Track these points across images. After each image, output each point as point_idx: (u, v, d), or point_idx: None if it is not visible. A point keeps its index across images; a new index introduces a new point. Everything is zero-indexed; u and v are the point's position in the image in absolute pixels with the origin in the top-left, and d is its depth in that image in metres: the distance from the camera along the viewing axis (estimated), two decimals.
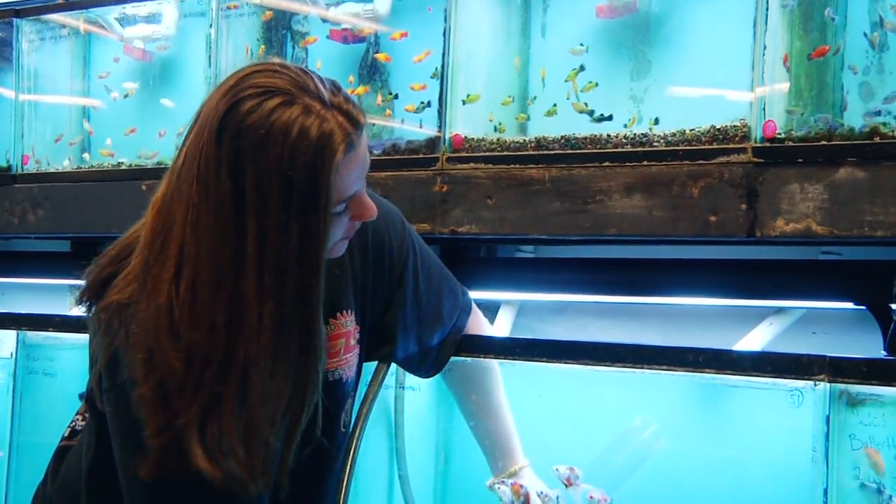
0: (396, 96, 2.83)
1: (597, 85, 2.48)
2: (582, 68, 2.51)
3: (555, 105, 2.53)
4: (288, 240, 1.62)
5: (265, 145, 1.60)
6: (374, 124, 2.81)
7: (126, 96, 3.37)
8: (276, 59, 1.75)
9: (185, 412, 1.62)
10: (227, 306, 1.62)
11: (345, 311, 2.00)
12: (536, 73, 2.70)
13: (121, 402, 1.71)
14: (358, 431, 2.16)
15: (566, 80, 2.52)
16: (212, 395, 1.62)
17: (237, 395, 1.63)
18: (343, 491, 2.12)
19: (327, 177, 1.62)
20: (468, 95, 2.59)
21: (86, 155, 3.46)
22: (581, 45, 2.54)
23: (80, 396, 2.04)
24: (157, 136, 3.22)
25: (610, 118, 2.45)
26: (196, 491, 1.68)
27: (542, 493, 2.16)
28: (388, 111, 2.81)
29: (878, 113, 2.11)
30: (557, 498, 2.14)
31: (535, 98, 2.65)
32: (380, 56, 2.84)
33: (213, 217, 1.63)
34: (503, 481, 2.20)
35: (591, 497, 2.10)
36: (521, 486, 2.16)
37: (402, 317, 2.11)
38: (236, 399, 1.63)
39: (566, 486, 2.13)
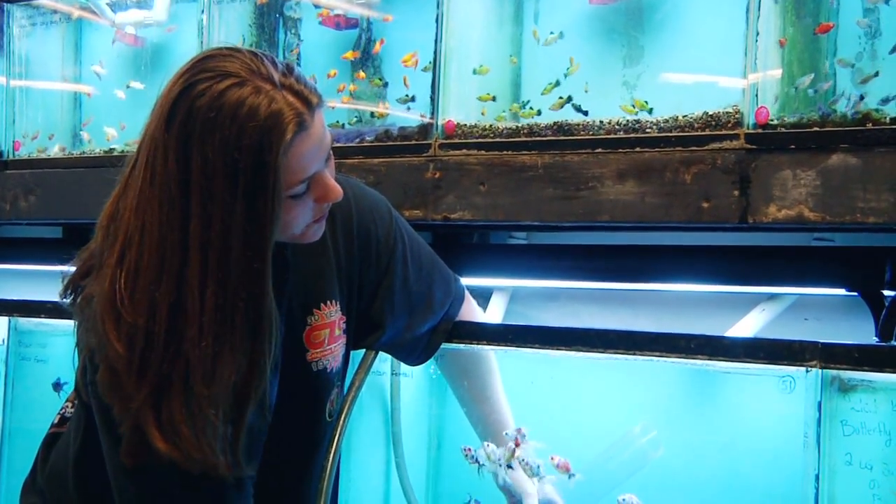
0: (387, 84, 2.83)
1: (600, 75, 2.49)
2: (557, 83, 2.52)
3: (561, 97, 2.53)
4: (232, 222, 1.61)
5: (213, 127, 1.60)
6: (371, 113, 2.81)
7: (128, 86, 3.35)
8: (229, 44, 1.75)
9: (137, 396, 1.63)
10: (169, 290, 1.62)
11: (329, 302, 2.00)
12: (529, 60, 2.69)
13: (97, 392, 1.72)
14: (343, 419, 2.16)
15: (542, 94, 2.54)
16: (159, 377, 1.63)
17: (183, 377, 1.63)
18: (326, 479, 2.12)
19: (275, 157, 1.61)
20: (481, 66, 2.60)
21: (84, 134, 3.44)
22: (552, 33, 2.54)
23: (55, 386, 2.04)
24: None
25: (586, 113, 2.45)
26: (174, 475, 1.69)
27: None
28: (384, 103, 2.81)
29: (862, 98, 2.11)
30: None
31: (527, 101, 2.65)
32: (377, 44, 2.84)
33: (158, 201, 1.63)
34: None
35: (553, 459, 2.11)
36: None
37: (389, 305, 2.10)
38: (183, 381, 1.63)
39: (515, 447, 2.14)
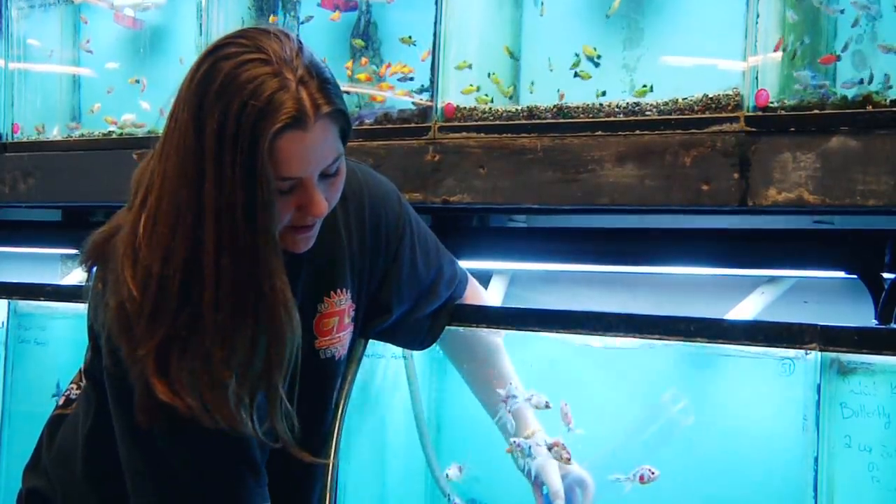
0: (389, 65, 2.82)
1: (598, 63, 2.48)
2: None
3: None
4: (236, 193, 1.61)
5: (224, 92, 1.60)
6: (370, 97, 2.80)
7: (138, 81, 3.34)
8: (285, 30, 1.74)
9: (146, 343, 1.64)
10: (184, 244, 1.63)
11: (340, 290, 2.00)
12: (528, 43, 2.69)
13: (113, 358, 1.73)
14: (341, 410, 2.17)
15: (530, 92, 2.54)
16: (171, 329, 1.64)
17: (198, 336, 1.64)
18: (330, 470, 2.14)
19: (265, 142, 1.61)
20: (463, 62, 2.59)
21: (96, 106, 3.44)
22: None
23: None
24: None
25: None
26: (188, 430, 1.70)
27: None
28: (383, 84, 2.80)
29: (862, 82, 2.11)
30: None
31: (532, 83, 2.64)
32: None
33: (177, 152, 1.64)
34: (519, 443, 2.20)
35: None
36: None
37: (398, 291, 2.10)
38: (198, 340, 1.64)
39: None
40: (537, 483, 2.18)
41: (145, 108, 3.21)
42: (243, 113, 1.59)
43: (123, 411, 1.75)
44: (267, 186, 1.62)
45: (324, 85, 1.67)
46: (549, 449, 2.15)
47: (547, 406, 2.16)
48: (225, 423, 1.68)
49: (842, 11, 2.17)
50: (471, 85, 2.59)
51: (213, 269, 1.63)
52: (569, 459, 2.12)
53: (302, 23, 2.98)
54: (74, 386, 2.06)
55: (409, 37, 2.71)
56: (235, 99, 1.60)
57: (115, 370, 1.73)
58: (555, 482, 2.15)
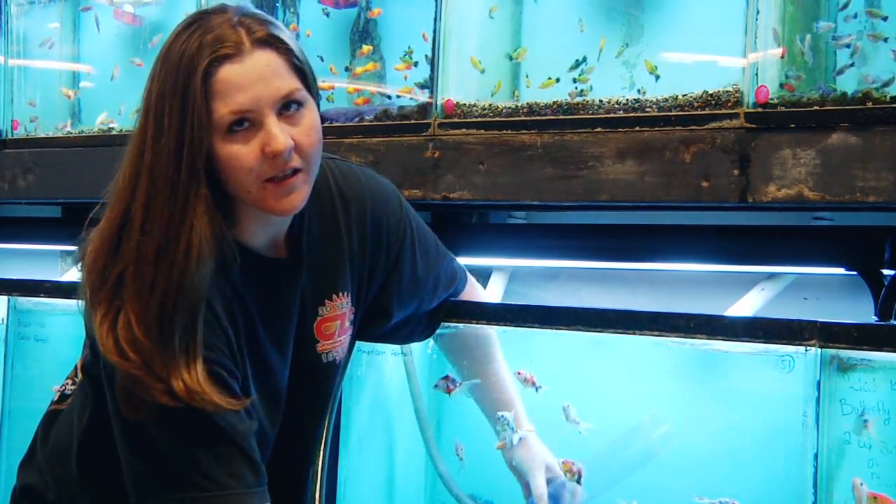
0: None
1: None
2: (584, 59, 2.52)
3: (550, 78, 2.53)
4: (172, 133, 1.68)
5: (168, 58, 1.70)
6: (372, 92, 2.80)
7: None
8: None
9: (105, 302, 1.70)
10: (123, 197, 1.72)
11: (341, 293, 1.99)
12: (529, 38, 2.68)
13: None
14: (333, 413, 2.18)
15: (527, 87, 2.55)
16: (109, 284, 1.70)
17: (132, 282, 1.69)
18: (319, 474, 2.15)
19: (199, 78, 1.66)
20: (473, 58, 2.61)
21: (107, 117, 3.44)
22: None
23: None
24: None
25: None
26: (183, 426, 1.72)
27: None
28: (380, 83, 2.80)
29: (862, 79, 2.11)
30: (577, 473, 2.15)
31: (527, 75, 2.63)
32: (373, 13, 2.83)
33: (133, 137, 1.74)
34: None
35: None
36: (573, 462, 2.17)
37: (398, 294, 2.10)
38: (133, 288, 1.69)
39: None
40: (523, 481, 2.20)
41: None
42: (180, 63, 1.67)
43: (117, 411, 1.75)
44: (198, 122, 1.66)
45: (262, 19, 1.74)
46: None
47: (534, 384, 2.17)
48: (167, 379, 1.69)
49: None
50: (549, 79, 2.57)
51: (140, 215, 1.69)
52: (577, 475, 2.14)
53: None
54: (69, 381, 2.05)
55: (410, 52, 2.71)
56: (173, 58, 1.69)
57: (110, 366, 1.73)
58: (539, 485, 2.16)
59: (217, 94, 1.66)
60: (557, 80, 2.49)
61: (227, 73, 1.67)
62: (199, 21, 1.71)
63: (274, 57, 1.71)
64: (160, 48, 1.73)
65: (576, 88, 2.45)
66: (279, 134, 1.70)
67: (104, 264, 1.71)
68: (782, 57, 2.16)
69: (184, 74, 1.66)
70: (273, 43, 1.71)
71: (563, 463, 2.16)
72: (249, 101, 1.68)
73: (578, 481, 2.14)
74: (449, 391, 2.27)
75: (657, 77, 2.36)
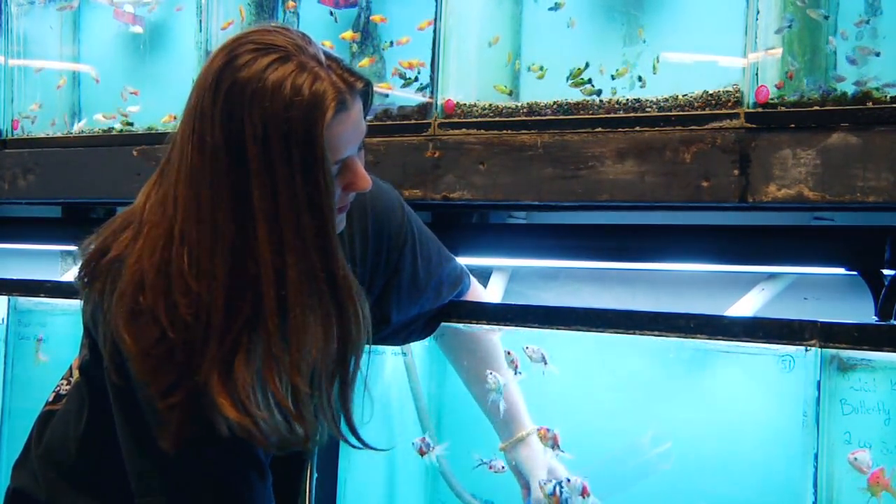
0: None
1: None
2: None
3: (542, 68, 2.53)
4: (296, 192, 1.62)
5: (260, 99, 1.60)
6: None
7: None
8: (277, 23, 1.75)
9: (201, 369, 1.62)
10: (228, 260, 1.62)
11: None
12: (529, 38, 2.68)
13: (122, 372, 1.71)
14: None
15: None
16: (224, 349, 1.62)
17: (264, 346, 1.63)
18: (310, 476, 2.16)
19: (321, 131, 1.61)
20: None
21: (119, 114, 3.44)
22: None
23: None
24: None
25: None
26: (222, 452, 1.71)
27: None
28: (385, 85, 2.80)
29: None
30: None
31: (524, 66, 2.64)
32: (375, 18, 2.83)
33: (211, 171, 1.63)
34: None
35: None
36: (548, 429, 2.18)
37: (397, 301, 2.10)
38: (264, 350, 1.63)
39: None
40: (523, 481, 2.20)
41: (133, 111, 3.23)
42: (290, 112, 1.60)
43: (129, 422, 1.74)
44: (329, 175, 1.64)
45: (342, 63, 1.70)
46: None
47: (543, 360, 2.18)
48: (303, 431, 1.69)
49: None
50: (582, 78, 2.58)
51: (271, 275, 1.62)
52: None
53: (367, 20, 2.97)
54: (64, 381, 2.04)
55: (416, 69, 2.71)
56: (274, 102, 1.60)
57: (122, 384, 1.71)
58: (540, 475, 2.17)
59: (330, 146, 1.65)
60: (589, 80, 2.48)
61: (340, 126, 1.66)
62: (279, 56, 1.63)
63: (360, 101, 1.72)
64: (229, 82, 1.62)
65: (592, 86, 2.45)
66: (367, 175, 1.76)
67: (208, 335, 1.64)
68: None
69: (302, 128, 1.61)
70: (365, 88, 1.73)
71: (538, 430, 2.17)
72: (352, 149, 1.72)
73: (553, 448, 2.14)
74: (422, 453, 2.30)
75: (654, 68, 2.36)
